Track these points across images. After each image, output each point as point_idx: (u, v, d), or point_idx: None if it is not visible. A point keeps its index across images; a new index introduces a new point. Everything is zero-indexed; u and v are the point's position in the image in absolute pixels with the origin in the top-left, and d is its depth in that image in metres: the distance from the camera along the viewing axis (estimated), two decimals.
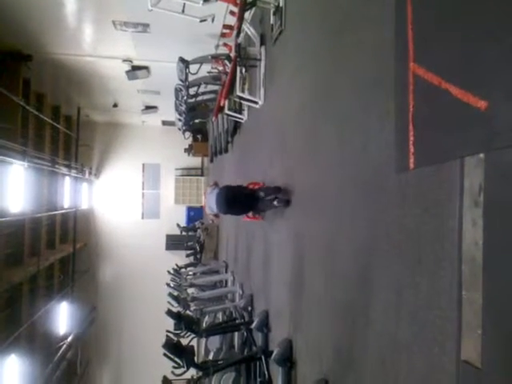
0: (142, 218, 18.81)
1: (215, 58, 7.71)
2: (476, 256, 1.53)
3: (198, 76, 8.32)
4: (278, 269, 4.68)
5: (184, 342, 5.25)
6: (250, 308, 6.12)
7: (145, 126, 18.33)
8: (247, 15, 6.41)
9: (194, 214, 17.85)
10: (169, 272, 10.41)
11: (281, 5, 4.97)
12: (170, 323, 6.34)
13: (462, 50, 1.61)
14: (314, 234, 3.46)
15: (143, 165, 18.93)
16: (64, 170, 14.79)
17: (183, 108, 9.85)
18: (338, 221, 2.93)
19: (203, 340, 8.30)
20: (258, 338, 5.13)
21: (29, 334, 11.67)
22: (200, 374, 4.87)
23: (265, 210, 5.01)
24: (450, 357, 1.64)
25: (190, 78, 8.21)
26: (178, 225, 15.24)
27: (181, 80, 8.28)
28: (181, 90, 8.82)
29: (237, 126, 8.59)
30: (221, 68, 8.15)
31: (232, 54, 6.41)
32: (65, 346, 13.98)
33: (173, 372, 5.15)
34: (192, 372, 5.41)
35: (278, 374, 4.07)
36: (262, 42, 6.08)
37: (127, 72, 10.78)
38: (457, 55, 1.64)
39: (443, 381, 1.69)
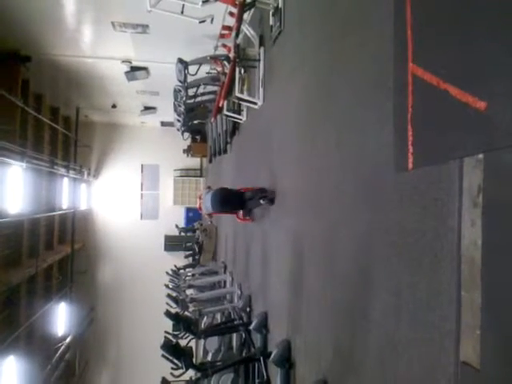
0: (141, 218, 18.80)
1: (214, 58, 7.71)
2: (475, 256, 1.53)
3: (197, 77, 8.32)
4: (277, 270, 4.68)
5: (182, 343, 5.24)
6: (248, 309, 6.12)
7: (144, 126, 18.34)
8: (246, 16, 6.41)
9: (193, 214, 17.84)
10: (167, 273, 10.41)
11: (280, 6, 4.97)
12: (168, 324, 6.33)
13: (461, 51, 1.62)
14: (313, 234, 3.46)
15: (142, 165, 18.93)
16: (62, 170, 14.78)
17: (182, 109, 9.85)
18: (336, 221, 2.93)
19: (202, 341, 8.28)
20: (257, 338, 5.12)
21: (27, 335, 11.66)
22: (198, 375, 4.86)
23: (252, 208, 5.65)
24: (449, 358, 1.64)
25: (189, 78, 8.20)
26: (177, 226, 15.23)
27: (180, 81, 8.27)
28: (180, 90, 8.82)
29: (236, 126, 8.59)
30: (220, 69, 8.14)
31: (231, 55, 6.40)
32: (63, 346, 13.97)
33: (171, 373, 5.15)
34: (191, 373, 5.40)
35: (276, 375, 4.06)
36: (261, 43, 6.08)
37: (126, 73, 10.78)
38: (456, 56, 1.64)
39: (442, 382, 1.68)
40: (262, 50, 6.01)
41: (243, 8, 5.44)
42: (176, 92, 9.13)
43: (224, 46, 7.46)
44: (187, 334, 6.06)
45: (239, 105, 7.39)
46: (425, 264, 1.83)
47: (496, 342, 1.43)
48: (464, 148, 1.59)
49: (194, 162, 18.86)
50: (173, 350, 4.54)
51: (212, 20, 6.34)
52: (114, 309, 17.29)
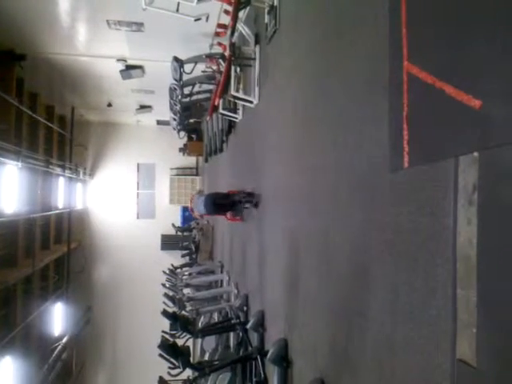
0: (137, 218, 18.76)
1: (210, 57, 7.70)
2: (470, 254, 1.53)
3: (193, 75, 8.30)
4: (273, 268, 4.68)
5: (180, 342, 5.24)
6: (245, 308, 6.12)
7: (139, 125, 18.29)
8: (241, 14, 6.40)
9: (189, 214, 17.81)
10: (164, 272, 10.40)
11: (275, 4, 4.96)
12: (165, 324, 6.33)
13: (456, 49, 1.62)
14: (309, 232, 3.46)
15: (138, 164, 18.89)
16: (58, 170, 14.73)
17: (178, 107, 9.83)
18: (332, 220, 2.93)
19: (199, 340, 8.29)
20: (254, 337, 5.12)
21: (24, 335, 11.62)
22: (196, 374, 4.86)
23: (239, 211, 6.32)
24: (446, 355, 1.65)
25: (185, 77, 8.19)
26: (174, 225, 15.22)
27: (175, 79, 8.26)
28: (175, 89, 8.80)
29: (232, 125, 8.58)
30: (215, 67, 8.14)
31: (226, 54, 6.39)
32: (60, 346, 13.93)
33: (169, 373, 5.15)
34: (188, 372, 5.40)
35: (273, 374, 4.07)
36: (257, 42, 6.07)
37: (121, 71, 10.74)
38: (451, 54, 1.64)
39: (439, 379, 1.69)
40: (257, 48, 6.01)
41: (238, 6, 5.43)
42: (171, 90, 9.12)
43: (219, 44, 7.46)
44: (184, 334, 6.07)
45: (235, 103, 7.38)
46: (420, 262, 1.84)
47: (492, 340, 1.44)
48: (459, 146, 1.59)
49: (190, 160, 18.83)
50: (170, 349, 4.54)
51: (207, 18, 6.34)
52: (111, 308, 17.26)
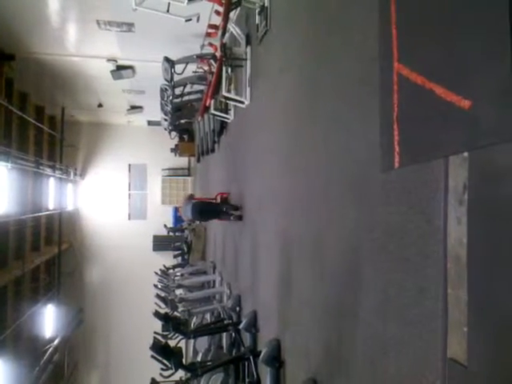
0: (129, 218, 18.68)
1: (201, 57, 7.69)
2: (461, 254, 1.55)
3: (184, 76, 8.28)
4: (266, 269, 4.68)
5: (172, 343, 5.22)
6: (238, 308, 6.11)
7: (130, 126, 18.21)
8: (232, 15, 6.40)
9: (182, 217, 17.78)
10: (156, 273, 10.36)
11: (266, 5, 4.96)
12: (157, 325, 6.31)
13: (446, 50, 1.63)
14: (301, 233, 3.46)
15: (129, 165, 18.80)
16: (48, 170, 14.62)
17: (169, 108, 9.81)
18: (324, 220, 2.93)
19: (191, 341, 8.26)
20: (247, 338, 5.12)
21: (14, 337, 11.53)
22: (188, 375, 4.85)
23: (224, 219, 6.73)
24: (437, 354, 1.66)
25: (176, 77, 8.17)
26: (166, 225, 15.17)
27: (166, 80, 8.23)
28: (166, 89, 8.78)
29: (223, 125, 8.57)
30: (206, 68, 8.13)
31: (218, 54, 6.39)
32: (51, 348, 13.82)
33: (161, 374, 5.14)
34: (180, 373, 5.38)
35: (266, 374, 4.07)
36: (248, 42, 6.07)
37: (112, 72, 10.70)
38: (441, 55, 1.65)
39: (430, 378, 1.70)
40: (248, 49, 6.01)
41: (229, 7, 5.44)
42: (163, 91, 9.09)
43: (210, 44, 7.45)
44: (177, 335, 6.05)
45: (226, 104, 7.38)
46: (411, 262, 1.85)
47: (483, 339, 1.45)
48: (449, 146, 1.60)
49: (182, 161, 18.78)
50: (162, 350, 4.52)
51: (198, 19, 6.32)
52: (103, 310, 17.17)
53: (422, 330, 1.76)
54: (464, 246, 1.53)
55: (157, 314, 5.89)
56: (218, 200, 7.27)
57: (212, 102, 7.33)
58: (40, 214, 14.24)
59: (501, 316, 1.37)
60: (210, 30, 7.15)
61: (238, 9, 6.27)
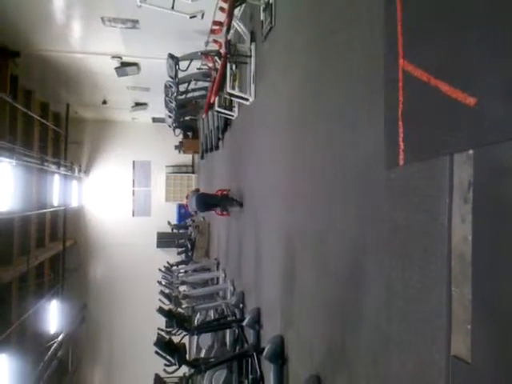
0: (133, 215, 18.73)
1: (205, 54, 7.68)
2: (465, 252, 1.54)
3: (188, 73, 8.28)
4: (270, 266, 4.68)
5: (176, 339, 5.24)
6: (241, 305, 6.12)
7: (135, 122, 18.24)
8: (237, 12, 6.39)
9: (185, 211, 17.77)
10: (160, 270, 10.38)
11: (271, 1, 4.95)
12: (161, 321, 6.33)
13: (451, 47, 1.62)
14: (305, 230, 3.46)
15: (133, 162, 18.84)
16: (53, 167, 14.67)
17: (173, 105, 9.81)
18: (328, 217, 2.93)
19: (195, 338, 8.28)
20: (250, 335, 5.13)
21: (19, 333, 11.60)
22: (192, 371, 4.86)
23: (224, 208, 7.39)
24: (441, 352, 1.66)
25: (180, 74, 8.17)
26: (169, 222, 15.19)
27: (170, 77, 8.23)
28: (171, 86, 8.78)
29: (227, 122, 8.57)
30: (211, 65, 8.12)
31: (222, 51, 6.38)
32: (55, 344, 13.90)
33: (165, 370, 5.14)
34: (184, 369, 5.40)
35: (269, 371, 4.08)
36: (252, 39, 6.05)
37: (116, 68, 10.71)
38: (446, 52, 1.64)
39: (434, 376, 1.70)
40: (253, 45, 5.99)
41: (234, 3, 5.42)
42: (167, 88, 9.09)
43: (215, 41, 7.43)
44: (180, 331, 6.06)
45: (231, 101, 7.37)
46: (416, 260, 1.84)
47: (486, 336, 1.45)
48: (454, 144, 1.60)
49: (186, 158, 18.80)
50: (166, 346, 4.54)
51: (203, 15, 6.32)
52: (107, 306, 17.24)
53: (425, 327, 1.76)
54: (468, 243, 1.53)
55: (161, 311, 5.90)
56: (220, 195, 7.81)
57: (216, 98, 7.32)
58: (45, 210, 14.30)
59: (505, 314, 1.37)
60: (214, 27, 7.14)
61: (243, 5, 6.26)
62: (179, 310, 7.09)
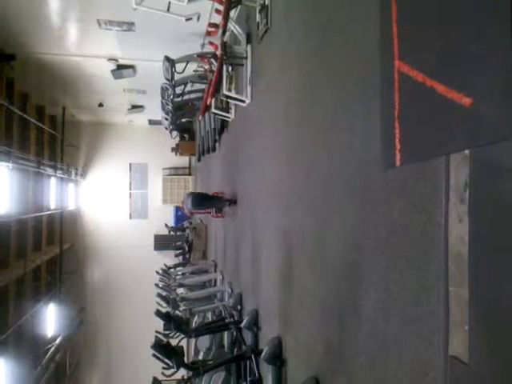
0: (130, 218, 18.70)
1: (201, 56, 7.67)
2: (462, 252, 1.55)
3: (185, 75, 8.27)
4: (267, 267, 4.68)
5: (173, 342, 5.23)
6: (239, 307, 6.12)
7: (131, 125, 18.22)
8: (233, 13, 6.39)
9: (182, 213, 17.78)
10: (157, 272, 10.36)
11: (266, 3, 4.96)
12: (159, 324, 6.31)
13: (446, 48, 1.62)
14: (302, 231, 3.47)
15: (130, 164, 18.82)
16: (50, 170, 14.64)
17: (170, 107, 9.79)
18: (325, 218, 2.93)
19: (193, 340, 8.27)
20: (248, 336, 5.13)
21: (16, 336, 11.54)
22: (190, 374, 4.86)
23: (217, 208, 7.97)
24: (438, 352, 1.66)
25: (176, 76, 8.15)
26: (167, 225, 15.17)
27: (167, 79, 8.21)
28: (167, 88, 8.76)
29: (224, 124, 8.57)
30: (207, 67, 8.11)
31: (218, 53, 6.38)
32: (53, 348, 13.85)
33: (163, 373, 5.13)
34: (182, 372, 5.39)
35: (268, 373, 4.07)
36: (249, 41, 6.06)
37: (113, 71, 10.70)
38: (442, 53, 1.65)
39: (432, 376, 1.70)
40: (249, 47, 6.00)
41: (230, 5, 5.42)
42: (163, 90, 9.07)
43: (211, 43, 7.42)
44: (178, 334, 6.05)
45: (227, 103, 7.37)
46: (413, 260, 1.85)
47: (484, 337, 1.45)
48: (450, 144, 1.60)
49: (183, 160, 18.78)
50: (164, 349, 4.53)
51: (198, 18, 6.32)
52: (104, 309, 17.19)
53: (423, 327, 1.76)
54: (465, 243, 1.53)
55: (158, 313, 5.90)
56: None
57: (213, 100, 7.32)
58: (41, 213, 14.26)
59: (502, 314, 1.37)
60: (210, 29, 7.14)
61: (239, 7, 6.26)
62: (177, 312, 7.08)
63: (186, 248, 12.70)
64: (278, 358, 3.94)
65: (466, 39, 1.52)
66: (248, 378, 4.95)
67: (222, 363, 5.29)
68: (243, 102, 6.10)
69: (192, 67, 8.65)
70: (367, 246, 2.28)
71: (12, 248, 11.70)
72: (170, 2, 5.69)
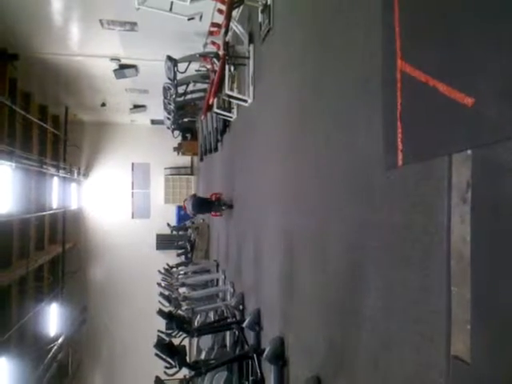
0: (132, 217, 18.72)
1: (203, 56, 7.69)
2: (464, 252, 1.54)
3: (187, 74, 8.28)
4: (269, 267, 4.68)
5: (176, 341, 5.24)
6: (241, 307, 6.12)
7: (134, 125, 18.24)
8: (235, 13, 6.40)
9: (185, 213, 17.73)
10: (160, 272, 10.37)
11: (269, 3, 4.95)
12: (161, 323, 6.33)
13: (449, 48, 1.62)
14: (304, 232, 3.47)
15: (132, 164, 18.84)
16: (52, 170, 14.67)
17: (172, 107, 9.81)
18: (327, 218, 2.94)
19: (195, 339, 8.28)
20: (250, 336, 5.13)
21: (19, 336, 11.58)
22: (192, 373, 4.86)
23: (216, 210, 8.46)
24: (440, 352, 1.66)
25: (179, 76, 8.17)
26: (169, 224, 15.18)
27: (169, 78, 8.24)
28: (169, 88, 8.78)
29: (226, 124, 8.57)
30: (209, 66, 8.13)
31: (220, 53, 6.38)
32: (55, 347, 13.88)
33: (165, 372, 5.14)
34: (184, 372, 5.40)
35: (270, 372, 4.07)
36: (251, 41, 6.06)
37: (115, 71, 10.71)
38: (444, 52, 1.65)
39: (434, 376, 1.70)
40: (251, 47, 6.00)
41: (232, 5, 5.42)
42: (165, 90, 9.10)
43: (213, 43, 7.44)
44: (180, 333, 6.05)
45: (229, 102, 7.38)
46: (415, 260, 1.85)
47: (486, 336, 1.45)
48: (452, 144, 1.60)
49: (185, 160, 18.79)
50: (166, 348, 4.54)
51: (201, 17, 6.33)
52: (107, 308, 17.21)
53: (425, 327, 1.76)
54: (467, 243, 1.53)
55: (160, 313, 5.91)
56: (213, 199, 8.70)
57: (215, 100, 7.33)
58: (44, 213, 14.29)
59: (504, 313, 1.37)
60: (212, 29, 7.15)
61: (241, 7, 6.26)
62: (179, 311, 7.08)
63: (189, 247, 12.71)
64: (280, 358, 3.94)
65: (468, 39, 1.52)
66: (250, 378, 4.95)
67: (224, 363, 5.30)
68: (245, 101, 6.10)
69: (194, 67, 8.67)
70: (369, 246, 2.28)
71: (14, 247, 11.72)
72: (172, 2, 5.70)
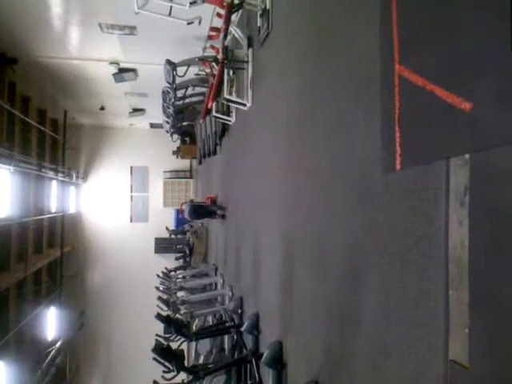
0: (131, 221, 18.71)
1: (202, 60, 7.70)
2: (462, 256, 1.55)
3: (186, 78, 8.30)
4: (268, 271, 4.68)
5: (174, 345, 5.22)
6: (239, 310, 6.11)
7: (132, 128, 18.25)
8: (234, 17, 6.40)
9: (183, 216, 17.75)
10: (158, 275, 10.36)
11: (268, 7, 4.97)
12: (159, 327, 6.31)
13: (447, 52, 1.63)
14: (303, 235, 3.47)
15: (131, 167, 18.84)
16: (51, 173, 14.66)
17: (171, 110, 9.82)
18: (326, 222, 2.94)
19: (193, 343, 8.26)
20: (249, 340, 5.12)
21: (17, 340, 11.55)
22: (190, 377, 4.85)
23: (213, 217, 8.84)
24: (438, 356, 1.66)
25: (178, 80, 8.18)
26: (167, 228, 15.17)
27: (168, 82, 8.25)
28: (168, 92, 8.80)
29: (225, 128, 8.58)
30: (208, 70, 8.14)
31: (219, 57, 6.40)
32: (53, 351, 13.83)
33: (163, 376, 5.12)
34: (182, 376, 5.38)
35: (268, 377, 4.06)
36: (250, 45, 6.07)
37: (114, 74, 10.73)
38: (442, 57, 1.66)
39: (432, 380, 1.70)
40: (250, 51, 6.01)
41: (231, 9, 5.44)
42: (165, 93, 9.11)
43: (212, 47, 7.46)
44: (178, 337, 6.04)
45: (228, 106, 7.39)
46: (413, 264, 1.85)
47: (484, 341, 1.45)
48: (450, 148, 1.61)
49: (184, 163, 18.80)
50: (164, 352, 4.53)
51: (200, 21, 6.33)
52: (105, 312, 17.17)
53: (423, 331, 1.76)
54: (465, 247, 1.53)
55: (159, 317, 5.89)
56: (209, 203, 9.21)
57: (214, 104, 7.34)
58: (42, 216, 14.27)
59: (502, 318, 1.37)
60: (211, 33, 7.17)
61: (240, 11, 6.28)
62: (177, 315, 7.07)
63: (187, 251, 12.70)
64: (278, 362, 3.93)
65: (466, 43, 1.53)
66: (248, 382, 4.94)
67: (223, 367, 5.29)
68: (244, 105, 6.11)
69: (193, 71, 8.68)
70: (367, 250, 2.28)
71: (13, 251, 11.70)
72: (171, 6, 5.71)
